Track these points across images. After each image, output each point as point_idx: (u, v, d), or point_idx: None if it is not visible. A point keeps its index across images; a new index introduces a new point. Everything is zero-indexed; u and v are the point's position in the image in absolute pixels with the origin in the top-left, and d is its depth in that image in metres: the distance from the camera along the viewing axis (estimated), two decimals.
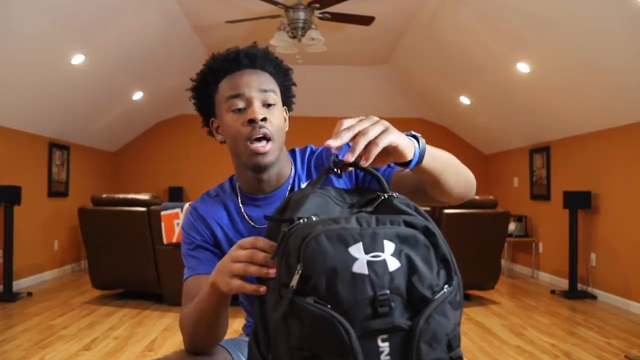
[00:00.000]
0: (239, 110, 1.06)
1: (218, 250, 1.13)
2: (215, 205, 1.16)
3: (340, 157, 0.78)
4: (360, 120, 0.77)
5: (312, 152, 1.19)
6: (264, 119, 1.04)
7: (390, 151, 0.81)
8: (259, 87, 1.07)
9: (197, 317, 0.96)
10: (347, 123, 0.77)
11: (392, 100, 7.62)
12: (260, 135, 1.04)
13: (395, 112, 7.71)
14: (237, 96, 1.06)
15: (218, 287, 0.86)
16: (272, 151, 1.05)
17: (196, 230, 1.13)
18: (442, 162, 0.93)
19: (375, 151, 0.75)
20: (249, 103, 1.05)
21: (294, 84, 1.19)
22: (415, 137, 0.85)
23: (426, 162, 0.87)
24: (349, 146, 0.76)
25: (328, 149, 1.08)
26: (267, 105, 1.07)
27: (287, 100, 1.18)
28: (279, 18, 4.67)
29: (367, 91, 7.44)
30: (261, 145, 1.03)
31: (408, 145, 0.81)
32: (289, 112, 1.19)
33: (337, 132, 0.76)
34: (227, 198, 1.16)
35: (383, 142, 0.76)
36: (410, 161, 0.84)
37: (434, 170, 0.91)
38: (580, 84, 4.53)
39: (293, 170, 1.16)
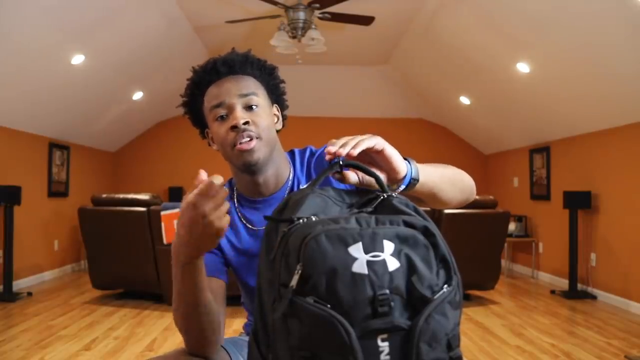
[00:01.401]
0: (223, 118, 1.08)
1: (219, 252, 1.13)
2: None
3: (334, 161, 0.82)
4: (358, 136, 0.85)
5: (312, 153, 1.19)
6: (247, 123, 1.05)
7: (381, 163, 0.86)
8: (239, 92, 1.08)
9: (178, 305, 0.93)
10: (335, 140, 0.85)
11: (392, 100, 7.62)
12: (245, 139, 1.05)
13: (395, 112, 7.72)
14: (219, 105, 1.08)
15: (175, 254, 0.87)
16: (259, 148, 1.06)
17: None
18: (436, 178, 0.97)
19: (363, 145, 0.82)
20: (231, 110, 1.07)
21: (282, 82, 1.20)
22: (407, 160, 0.90)
23: (420, 184, 0.91)
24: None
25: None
26: (250, 108, 1.08)
27: (278, 98, 1.18)
28: (279, 18, 4.67)
29: (367, 91, 7.44)
30: (245, 143, 1.05)
31: (397, 157, 0.86)
32: (283, 110, 1.19)
33: (331, 143, 0.84)
34: (227, 201, 1.16)
35: (370, 142, 0.83)
36: (403, 179, 0.88)
37: (429, 189, 0.95)
38: (580, 84, 4.53)
39: (292, 172, 1.16)
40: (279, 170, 1.13)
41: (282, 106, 1.19)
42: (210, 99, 1.10)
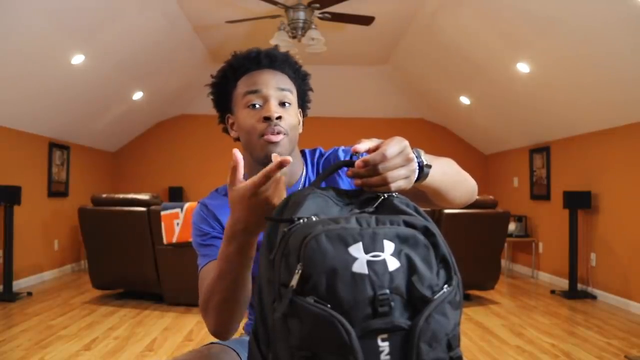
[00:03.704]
0: (255, 106, 1.08)
1: None
2: (225, 201, 1.17)
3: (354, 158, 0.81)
4: (397, 155, 0.79)
5: (321, 154, 1.21)
6: (279, 117, 1.06)
7: None
8: (277, 85, 1.09)
9: (222, 283, 0.93)
10: (391, 150, 0.79)
11: (392, 100, 7.62)
12: (275, 132, 1.06)
13: (395, 112, 7.72)
14: (255, 92, 1.09)
15: (232, 234, 0.89)
16: (284, 144, 1.07)
17: (208, 223, 1.14)
18: (442, 176, 0.95)
19: (383, 190, 0.78)
20: (266, 100, 1.08)
21: (311, 89, 1.22)
22: (419, 163, 0.86)
23: (426, 182, 0.89)
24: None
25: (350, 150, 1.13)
26: (283, 104, 1.09)
27: (303, 104, 1.20)
28: (279, 18, 4.67)
29: (367, 91, 7.44)
30: (274, 136, 1.06)
31: (411, 185, 0.84)
32: (303, 116, 1.21)
33: (372, 157, 0.78)
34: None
35: (395, 187, 0.79)
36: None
37: (434, 186, 0.94)
38: (580, 83, 4.53)
39: (304, 171, 1.17)
40: (293, 169, 1.14)
41: (304, 113, 1.21)
42: (247, 85, 1.10)
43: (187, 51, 6.12)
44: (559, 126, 5.51)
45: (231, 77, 1.13)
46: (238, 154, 0.85)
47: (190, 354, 1.08)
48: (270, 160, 1.07)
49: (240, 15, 5.05)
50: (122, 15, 4.61)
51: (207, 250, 1.11)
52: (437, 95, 7.17)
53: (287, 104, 1.10)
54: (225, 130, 1.19)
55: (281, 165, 0.81)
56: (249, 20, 4.83)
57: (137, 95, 6.44)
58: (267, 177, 0.82)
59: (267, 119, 1.05)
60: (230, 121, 1.16)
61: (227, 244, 0.90)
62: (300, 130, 1.17)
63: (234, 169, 0.86)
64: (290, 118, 1.09)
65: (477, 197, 4.61)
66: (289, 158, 0.81)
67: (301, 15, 4.44)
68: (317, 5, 4.35)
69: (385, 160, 0.78)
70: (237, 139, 1.15)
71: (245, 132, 1.09)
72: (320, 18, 4.61)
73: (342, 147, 1.20)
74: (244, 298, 0.97)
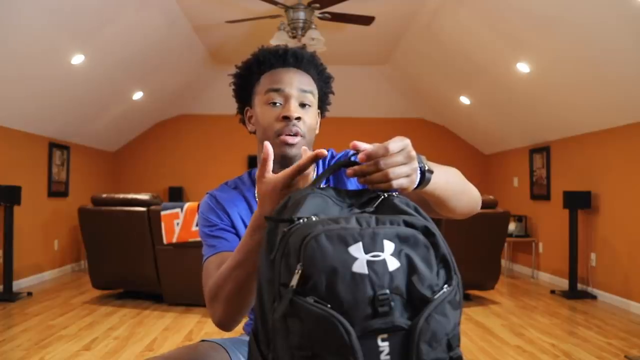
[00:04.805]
0: (276, 104, 1.09)
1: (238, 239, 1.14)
2: (234, 195, 1.18)
3: (354, 158, 0.80)
4: (398, 152, 0.78)
5: (333, 156, 1.21)
6: (298, 118, 1.07)
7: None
8: (300, 86, 1.10)
9: (238, 273, 0.93)
10: (393, 145, 0.78)
11: (392, 100, 7.62)
12: (292, 133, 1.06)
13: (395, 112, 7.72)
14: (277, 90, 1.09)
15: (258, 223, 0.88)
16: (300, 145, 1.07)
17: (217, 214, 1.14)
18: (445, 184, 0.94)
19: (385, 187, 0.78)
20: (287, 100, 1.09)
21: (332, 92, 1.22)
22: (421, 168, 0.85)
23: (429, 188, 0.88)
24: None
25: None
26: (303, 105, 1.10)
27: (323, 105, 1.21)
28: (279, 18, 4.67)
29: (367, 91, 7.44)
30: (290, 137, 1.06)
31: (415, 183, 0.83)
32: (322, 117, 1.22)
33: (374, 150, 0.78)
34: (246, 190, 1.19)
35: (397, 185, 0.78)
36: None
37: (437, 193, 0.93)
38: (580, 83, 4.53)
39: (316, 172, 1.17)
40: None
41: (322, 114, 1.22)
42: (271, 81, 1.10)
43: (187, 51, 6.12)
44: (559, 126, 5.51)
45: (256, 70, 1.13)
46: (269, 147, 0.85)
47: (180, 350, 1.09)
48: (283, 160, 1.07)
49: (240, 15, 5.05)
50: (121, 15, 4.61)
51: (215, 241, 1.11)
52: (437, 95, 7.17)
53: (307, 106, 1.10)
54: (242, 122, 1.19)
55: (315, 158, 0.80)
56: (249, 20, 4.83)
57: (137, 95, 6.44)
58: (300, 170, 0.81)
59: (286, 118, 1.06)
60: (249, 114, 1.16)
61: (250, 235, 0.91)
62: (317, 132, 1.17)
63: (265, 161, 0.85)
64: (309, 120, 1.09)
65: None
66: (325, 151, 0.80)
67: (301, 15, 4.44)
68: (317, 5, 4.35)
69: (387, 153, 0.77)
70: (253, 133, 1.15)
71: (262, 129, 1.10)
72: (320, 18, 4.61)
73: None
74: (253, 293, 0.96)
